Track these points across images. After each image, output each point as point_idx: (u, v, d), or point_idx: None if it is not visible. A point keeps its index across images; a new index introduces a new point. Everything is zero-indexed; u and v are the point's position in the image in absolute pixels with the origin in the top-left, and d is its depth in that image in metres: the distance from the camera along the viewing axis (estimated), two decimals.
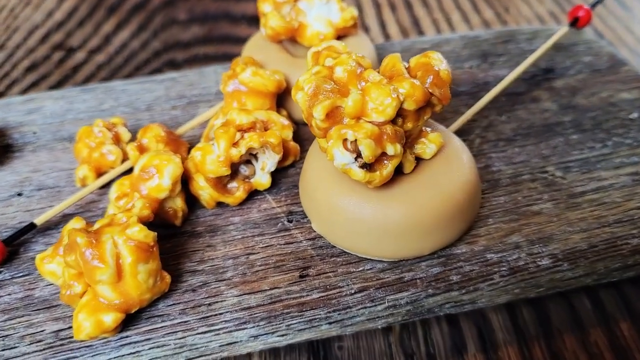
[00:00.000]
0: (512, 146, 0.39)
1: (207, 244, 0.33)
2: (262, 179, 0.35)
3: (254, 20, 0.56)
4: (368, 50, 0.42)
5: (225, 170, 0.33)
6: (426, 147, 0.32)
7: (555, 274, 0.31)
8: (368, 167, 0.29)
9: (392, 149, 0.28)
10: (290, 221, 0.35)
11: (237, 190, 0.35)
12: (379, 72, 0.31)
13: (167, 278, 0.30)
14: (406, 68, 0.31)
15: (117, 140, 0.36)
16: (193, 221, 0.35)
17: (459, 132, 0.39)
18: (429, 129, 0.33)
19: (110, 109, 0.44)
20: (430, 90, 0.30)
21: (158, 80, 0.46)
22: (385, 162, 0.29)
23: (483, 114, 0.42)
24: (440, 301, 0.31)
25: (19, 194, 0.37)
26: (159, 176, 0.32)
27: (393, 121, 0.30)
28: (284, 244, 0.33)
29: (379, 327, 0.31)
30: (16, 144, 0.41)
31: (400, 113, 0.30)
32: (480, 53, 0.48)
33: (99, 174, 0.36)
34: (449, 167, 0.32)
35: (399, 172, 0.32)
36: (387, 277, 0.31)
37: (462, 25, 0.55)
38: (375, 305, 0.30)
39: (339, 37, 0.43)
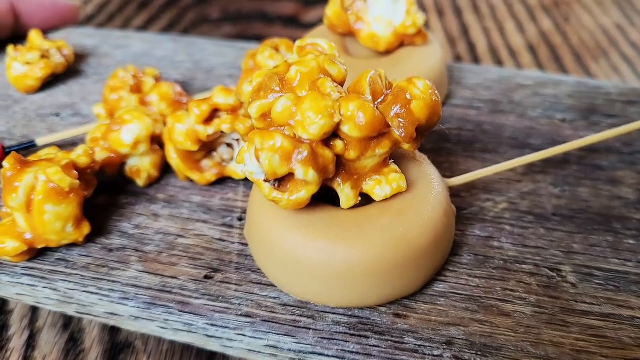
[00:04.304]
0: (539, 226, 0.31)
1: (154, 212, 0.33)
2: (237, 168, 0.33)
3: (289, 22, 0.52)
4: (424, 68, 0.36)
5: (191, 146, 0.32)
6: (379, 187, 0.27)
7: None
8: (277, 184, 0.25)
9: (302, 172, 0.24)
10: (240, 219, 0.32)
11: (207, 171, 0.33)
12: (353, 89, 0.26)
13: (85, 229, 0.30)
14: (385, 89, 0.26)
15: (137, 89, 0.37)
16: (160, 187, 0.34)
17: (487, 187, 0.33)
18: (394, 166, 0.27)
19: (179, 62, 0.45)
20: (388, 122, 0.25)
21: (237, 47, 0.46)
22: (301, 186, 0.25)
23: (534, 178, 0.33)
24: None
25: (57, 115, 0.40)
26: (124, 131, 0.32)
27: (328, 143, 0.25)
28: (216, 239, 0.31)
29: None
30: (87, 71, 0.44)
31: (341, 137, 0.25)
32: (587, 107, 0.38)
33: (112, 115, 0.37)
34: (399, 220, 0.26)
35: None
36: (282, 314, 0.27)
37: (516, 36, 0.45)
38: (255, 339, 0.27)
39: (402, 45, 0.38)
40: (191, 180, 0.34)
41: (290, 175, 0.25)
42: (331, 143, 0.25)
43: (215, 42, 0.47)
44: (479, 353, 0.25)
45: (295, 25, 0.52)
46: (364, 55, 0.39)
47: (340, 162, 0.26)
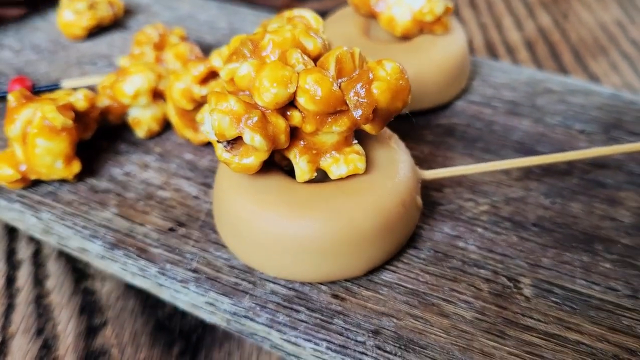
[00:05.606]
0: (514, 234, 0.29)
1: (146, 163, 0.34)
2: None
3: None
4: (438, 59, 0.35)
5: (186, 104, 0.33)
6: (336, 165, 0.26)
7: None
8: (229, 146, 0.26)
9: (249, 137, 0.24)
10: None
11: (202, 132, 0.34)
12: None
13: (75, 168, 0.32)
14: (358, 68, 0.26)
15: (160, 46, 0.39)
16: (160, 140, 0.36)
17: (473, 186, 0.31)
18: (357, 147, 0.27)
19: (218, 28, 0.46)
20: (345, 99, 0.25)
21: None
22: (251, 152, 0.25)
23: (527, 185, 0.32)
24: (261, 331, 0.26)
25: (94, 64, 0.43)
26: (127, 82, 0.34)
27: (284, 114, 0.25)
28: (191, 197, 0.32)
29: (206, 320, 0.28)
30: (133, 27, 0.47)
31: (299, 108, 0.25)
32: (613, 121, 0.35)
33: None
34: (348, 200, 0.26)
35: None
36: (226, 275, 0.28)
37: (514, 32, 0.42)
38: (197, 294, 0.27)
39: (422, 32, 0.36)
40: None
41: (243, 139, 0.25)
42: (288, 113, 0.25)
43: (258, 12, 0.48)
44: (403, 347, 0.24)
45: None
46: (383, 40, 0.38)
47: (299, 135, 0.26)
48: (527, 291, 0.26)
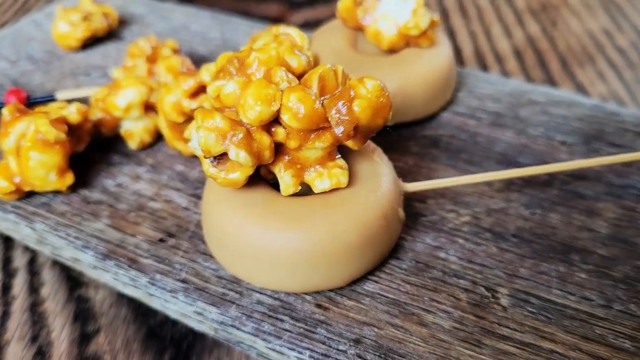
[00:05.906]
0: (493, 245, 0.30)
1: (137, 174, 0.35)
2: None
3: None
4: (424, 71, 0.36)
5: (176, 117, 0.34)
6: (319, 180, 0.27)
7: None
8: (216, 161, 0.26)
9: (235, 153, 0.25)
10: None
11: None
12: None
13: (68, 180, 0.33)
14: (341, 86, 0.27)
15: (153, 59, 0.39)
16: (151, 151, 0.37)
17: (455, 198, 0.32)
18: (340, 162, 0.27)
19: (210, 39, 0.47)
20: (327, 117, 0.26)
21: None
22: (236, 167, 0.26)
23: (508, 196, 0.32)
24: (247, 340, 0.27)
25: (88, 75, 0.44)
26: (119, 96, 0.35)
27: (269, 130, 0.26)
28: (181, 208, 0.33)
29: (195, 329, 0.29)
30: (127, 37, 0.48)
31: (283, 125, 0.26)
32: (594, 133, 0.36)
33: None
34: (331, 213, 0.27)
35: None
36: (214, 286, 0.29)
37: (503, 40, 0.43)
38: (186, 304, 0.28)
39: (408, 45, 0.37)
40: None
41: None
42: (273, 130, 0.26)
43: (250, 23, 0.49)
44: (382, 356, 0.25)
45: None
46: (370, 52, 0.39)
47: (284, 150, 0.27)
48: (504, 301, 0.27)
